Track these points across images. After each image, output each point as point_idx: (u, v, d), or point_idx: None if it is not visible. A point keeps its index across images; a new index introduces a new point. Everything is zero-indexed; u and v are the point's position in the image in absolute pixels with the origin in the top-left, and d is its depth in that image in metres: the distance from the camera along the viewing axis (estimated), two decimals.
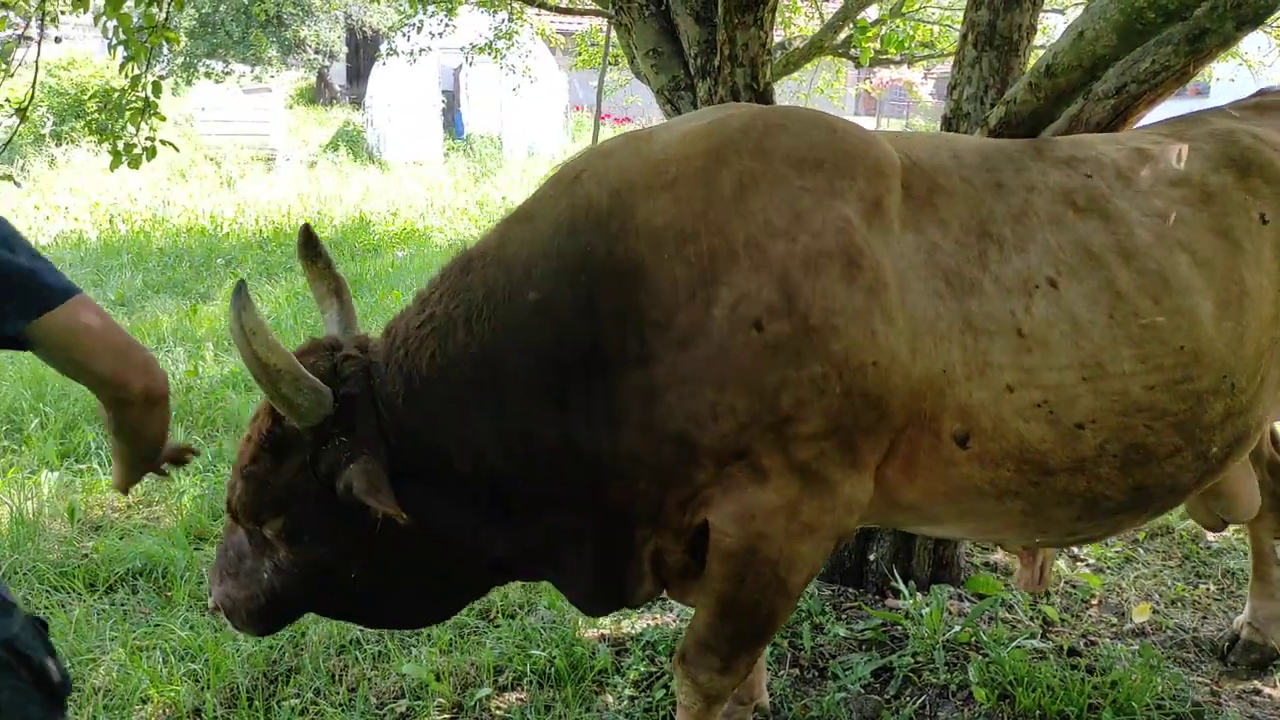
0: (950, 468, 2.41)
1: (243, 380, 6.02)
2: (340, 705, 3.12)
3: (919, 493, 2.47)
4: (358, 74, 28.67)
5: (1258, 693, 3.33)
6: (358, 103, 24.37)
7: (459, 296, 2.38)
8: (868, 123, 30.67)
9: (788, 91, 14.94)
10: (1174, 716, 3.12)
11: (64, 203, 12.96)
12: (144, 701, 3.14)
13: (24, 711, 1.80)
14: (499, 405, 2.33)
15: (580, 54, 11.74)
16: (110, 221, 12.00)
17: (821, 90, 13.97)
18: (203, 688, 3.19)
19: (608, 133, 17.49)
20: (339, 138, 20.35)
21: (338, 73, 29.48)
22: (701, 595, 2.46)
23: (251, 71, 21.18)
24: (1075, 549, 4.27)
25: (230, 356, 6.63)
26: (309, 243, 2.59)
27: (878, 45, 7.16)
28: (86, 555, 4.05)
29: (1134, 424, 2.42)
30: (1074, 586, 3.96)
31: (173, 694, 3.14)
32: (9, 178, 4.29)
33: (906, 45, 7.63)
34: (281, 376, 2.13)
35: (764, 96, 3.67)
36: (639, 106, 17.39)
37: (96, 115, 5.58)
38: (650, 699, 3.20)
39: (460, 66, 20.85)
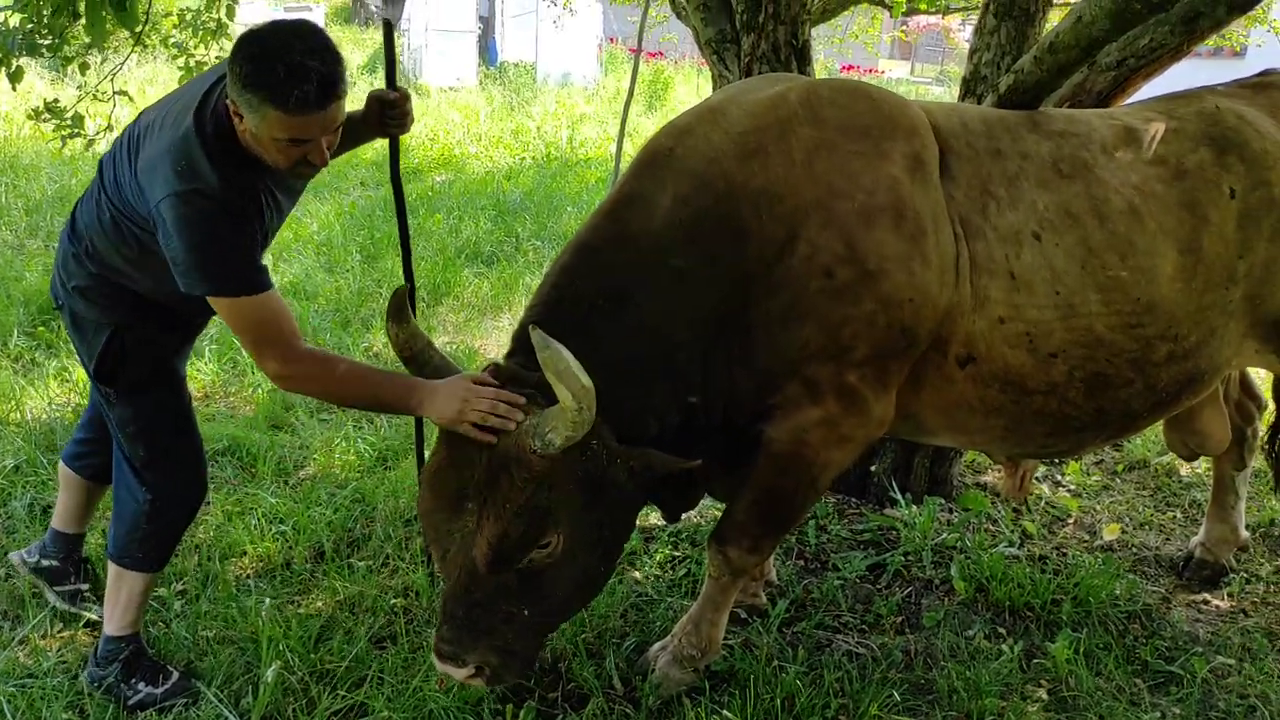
0: (950, 385, 2.88)
1: (305, 288, 6.52)
2: (408, 564, 3.64)
3: (920, 405, 2.94)
4: None
5: (1205, 602, 3.81)
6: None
7: (607, 282, 2.59)
8: (902, 67, 30.59)
9: (823, 36, 15.12)
10: (1126, 614, 3.60)
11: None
12: (241, 555, 3.66)
13: None
14: (673, 372, 2.62)
15: None
16: None
17: (856, 36, 14.13)
18: (290, 545, 3.71)
19: (643, 68, 17.53)
20: (375, 60, 20.58)
21: None
22: (744, 487, 2.90)
23: None
24: (1059, 476, 4.74)
25: (289, 267, 7.10)
26: (403, 307, 2.56)
27: None
28: None
29: (1096, 356, 2.87)
30: (1054, 507, 4.43)
31: (266, 549, 3.67)
32: (124, 94, 4.71)
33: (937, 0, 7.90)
34: (593, 398, 2.22)
35: (802, 51, 4.07)
36: (674, 44, 17.56)
37: (173, 34, 6.02)
38: (674, 576, 3.70)
39: None
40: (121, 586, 2.94)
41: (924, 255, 2.70)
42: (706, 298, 2.62)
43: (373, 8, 27.40)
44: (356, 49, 22.05)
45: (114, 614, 2.96)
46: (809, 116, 2.75)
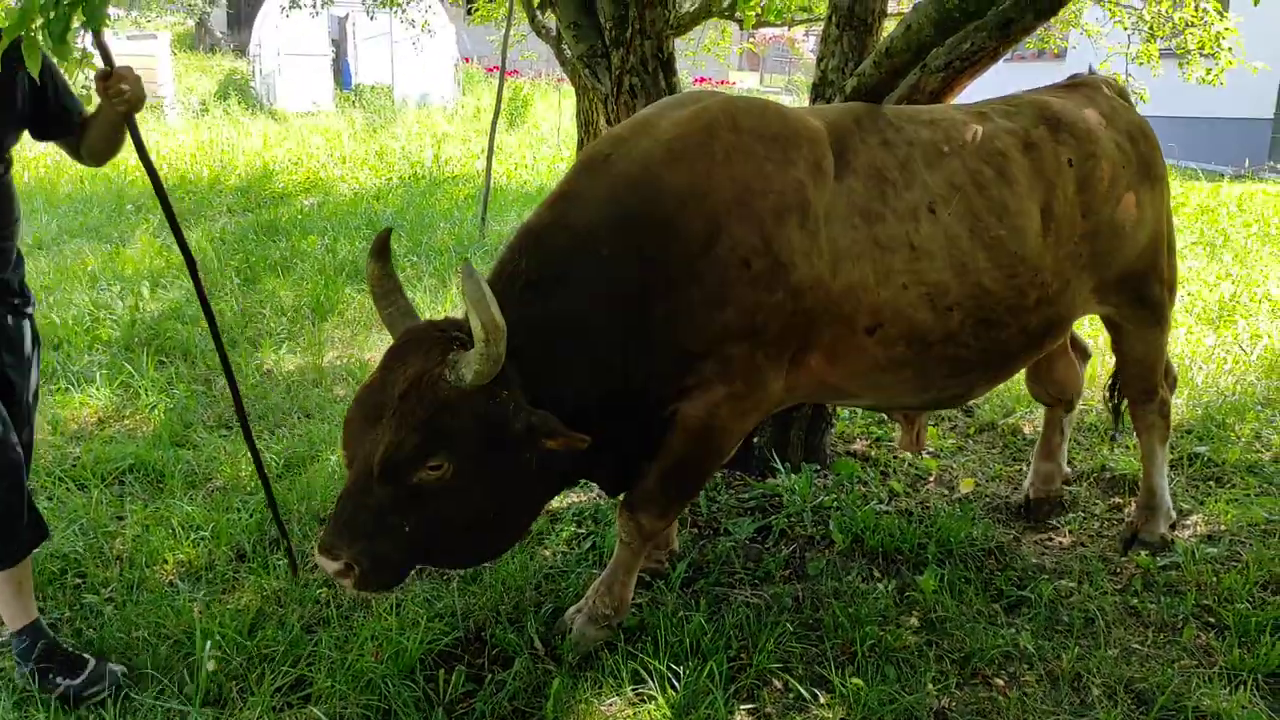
0: (861, 352, 3.26)
1: (186, 312, 6.55)
2: None
3: (839, 375, 3.32)
4: (239, 20, 28.24)
5: (1050, 539, 4.30)
6: (240, 50, 24.14)
7: (543, 262, 2.90)
8: (752, 78, 31.62)
9: (676, 49, 15.65)
10: (983, 551, 4.06)
11: None
12: (162, 562, 3.78)
13: None
14: (593, 349, 2.90)
15: (477, 9, 12.23)
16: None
17: (708, 48, 14.68)
18: (211, 550, 3.85)
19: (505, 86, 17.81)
20: (228, 86, 20.27)
21: (218, 19, 28.96)
22: (656, 460, 3.20)
23: (128, 15, 20.95)
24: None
25: (166, 292, 7.11)
26: (385, 247, 2.95)
27: (760, 12, 7.93)
28: (77, 459, 4.61)
29: (983, 304, 3.33)
30: (916, 468, 4.90)
31: (186, 554, 3.80)
32: None
33: (785, 12, 8.41)
34: (502, 336, 2.54)
35: (668, 63, 4.43)
36: (531, 62, 17.87)
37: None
38: (579, 551, 3.99)
39: (347, 15, 20.96)
40: None
41: (819, 249, 3.09)
42: (632, 284, 2.94)
43: (218, 34, 26.91)
44: (205, 75, 21.67)
45: None
46: (729, 124, 3.12)
